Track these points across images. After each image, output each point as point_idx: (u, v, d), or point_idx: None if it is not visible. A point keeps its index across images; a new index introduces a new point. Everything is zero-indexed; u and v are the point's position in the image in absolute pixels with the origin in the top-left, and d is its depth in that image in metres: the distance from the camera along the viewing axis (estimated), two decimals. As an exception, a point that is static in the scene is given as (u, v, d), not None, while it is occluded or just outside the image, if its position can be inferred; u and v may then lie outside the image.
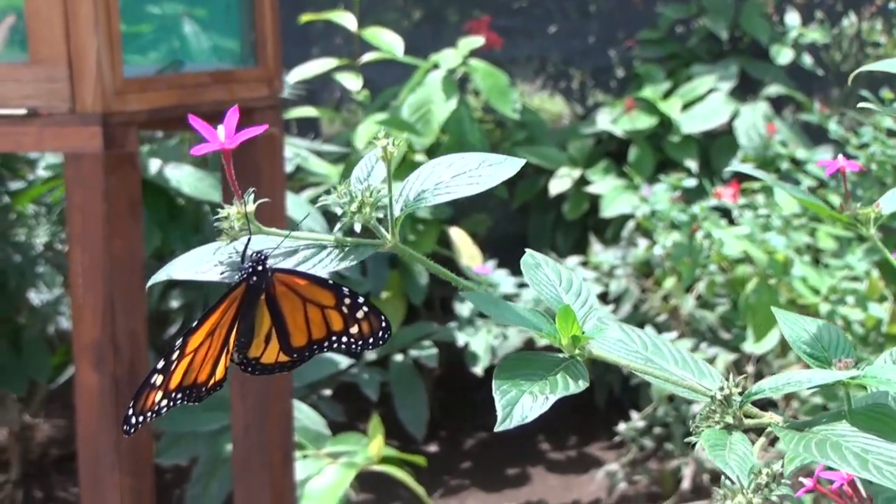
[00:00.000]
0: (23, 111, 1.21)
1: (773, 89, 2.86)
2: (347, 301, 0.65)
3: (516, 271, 2.61)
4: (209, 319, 0.65)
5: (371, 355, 2.59)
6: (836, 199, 2.45)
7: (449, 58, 2.59)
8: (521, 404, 0.57)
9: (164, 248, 2.19)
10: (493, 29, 2.96)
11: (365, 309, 0.65)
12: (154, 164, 2.05)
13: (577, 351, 0.61)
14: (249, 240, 0.64)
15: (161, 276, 0.65)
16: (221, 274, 0.65)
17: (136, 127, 1.22)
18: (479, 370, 2.52)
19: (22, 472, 2.48)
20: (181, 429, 2.04)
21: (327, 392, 2.50)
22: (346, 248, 0.63)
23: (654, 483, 2.40)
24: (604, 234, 2.75)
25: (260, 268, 0.65)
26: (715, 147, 2.82)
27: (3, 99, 1.22)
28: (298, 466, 1.83)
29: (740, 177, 2.58)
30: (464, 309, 2.58)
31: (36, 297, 2.40)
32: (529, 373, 0.59)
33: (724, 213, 2.42)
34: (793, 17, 2.91)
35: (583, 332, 0.60)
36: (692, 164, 2.66)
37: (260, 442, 1.47)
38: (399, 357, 2.60)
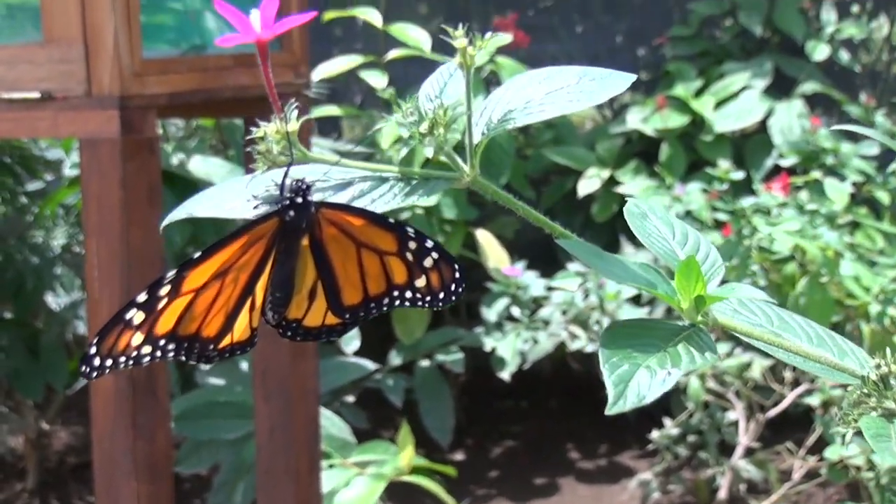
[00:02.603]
0: (37, 94, 1.14)
1: (809, 87, 2.78)
2: (413, 245, 0.53)
3: (545, 273, 2.55)
4: (218, 253, 0.52)
5: (395, 360, 2.53)
6: (883, 196, 2.37)
7: (476, 55, 2.52)
8: (636, 381, 0.48)
9: (195, 241, 2.12)
10: (520, 27, 2.89)
11: (434, 255, 0.53)
12: (178, 159, 1.99)
13: (699, 317, 0.51)
14: (290, 165, 0.52)
15: (180, 213, 0.54)
16: (255, 208, 0.53)
17: (155, 111, 1.15)
18: (506, 375, 2.45)
19: (38, 480, 2.43)
20: (202, 436, 1.97)
21: (350, 398, 2.44)
22: (413, 181, 0.52)
23: (688, 493, 2.33)
24: (635, 235, 2.67)
25: (301, 200, 0.52)
26: (749, 146, 2.75)
27: (17, 81, 1.15)
28: (324, 476, 1.76)
29: (773, 176, 2.51)
30: (491, 313, 2.51)
31: (53, 300, 2.35)
32: (643, 343, 0.49)
33: (761, 212, 2.34)
34: (829, 12, 2.84)
35: (708, 294, 0.50)
36: (725, 164, 2.59)
37: (285, 447, 1.40)
38: (424, 363, 2.54)
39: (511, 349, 2.44)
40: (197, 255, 0.52)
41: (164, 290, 0.52)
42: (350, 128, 3.16)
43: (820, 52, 2.78)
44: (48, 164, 2.30)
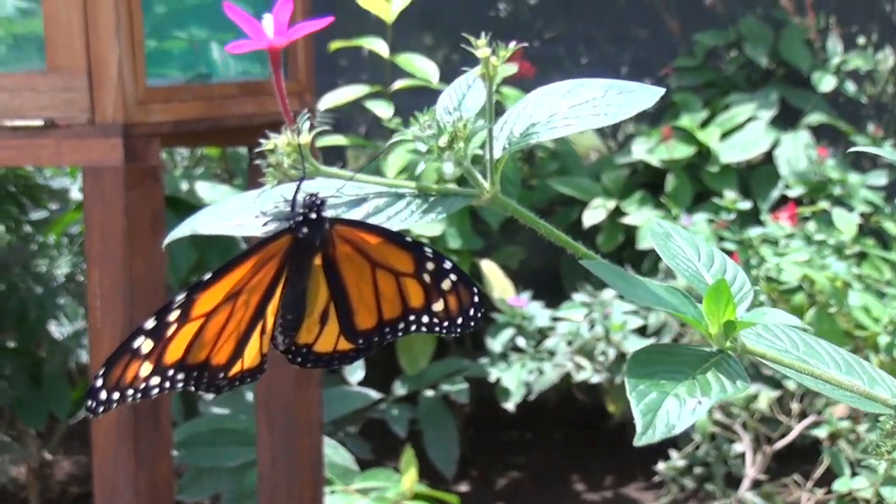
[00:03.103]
0: (40, 122, 1.14)
1: (815, 118, 2.78)
2: (430, 266, 0.50)
3: (551, 304, 2.54)
4: (230, 274, 0.49)
5: (400, 390, 2.51)
6: (891, 226, 2.36)
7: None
8: (665, 410, 0.45)
9: (200, 267, 2.11)
10: (526, 58, 2.89)
11: (453, 278, 0.50)
12: (186, 185, 1.99)
13: (728, 343, 0.48)
14: (302, 180, 0.49)
15: (184, 230, 0.50)
16: (264, 225, 0.49)
17: (158, 139, 1.15)
18: (511, 406, 2.44)
19: (40, 510, 2.41)
20: (205, 464, 1.96)
21: (354, 428, 2.42)
22: (431, 198, 0.49)
23: (694, 525, 2.31)
24: (640, 266, 2.67)
25: (314, 216, 0.49)
26: (755, 177, 2.74)
27: (20, 109, 1.15)
28: (326, 502, 1.75)
29: (780, 207, 2.50)
30: (496, 344, 2.50)
31: (56, 329, 2.34)
32: (671, 370, 0.47)
33: (769, 242, 2.34)
34: (834, 44, 2.84)
35: (739, 318, 0.48)
36: (732, 194, 2.58)
37: (288, 476, 1.39)
38: (429, 393, 2.52)
39: (516, 380, 2.42)
40: (207, 276, 0.49)
41: (174, 316, 0.49)
42: (355, 158, 3.16)
43: (826, 83, 2.77)
44: (53, 193, 2.30)
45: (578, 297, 2.47)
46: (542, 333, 2.51)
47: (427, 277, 0.51)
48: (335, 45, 2.47)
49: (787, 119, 2.81)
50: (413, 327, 0.52)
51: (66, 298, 2.32)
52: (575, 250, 0.51)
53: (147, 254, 1.15)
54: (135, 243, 1.13)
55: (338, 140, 2.51)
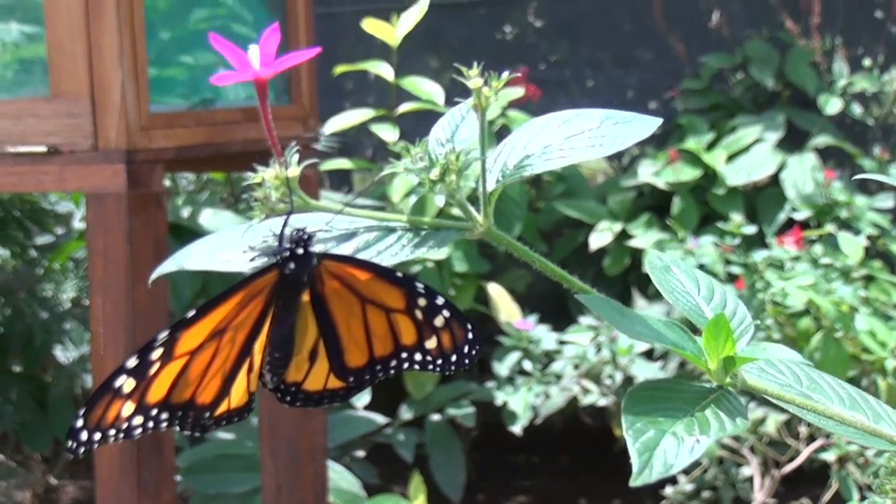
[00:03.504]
0: (43, 148, 1.14)
1: (821, 140, 2.77)
2: (422, 302, 0.49)
3: (557, 327, 2.53)
4: (214, 311, 0.48)
5: (406, 414, 2.51)
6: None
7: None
8: (662, 449, 0.44)
9: (204, 293, 2.11)
10: (532, 81, 2.89)
11: (446, 314, 0.49)
12: (187, 212, 1.98)
13: (728, 379, 0.48)
14: (290, 214, 0.48)
15: (170, 265, 0.50)
16: (251, 261, 0.49)
17: (162, 165, 1.15)
18: (517, 429, 2.43)
19: (45, 535, 2.41)
20: (210, 490, 1.95)
21: (360, 453, 2.41)
22: (423, 232, 0.48)
23: (703, 549, 2.29)
24: (647, 289, 2.66)
25: (302, 251, 0.48)
26: (761, 199, 2.74)
27: (23, 136, 1.15)
28: (332, 530, 1.74)
29: (786, 230, 2.50)
30: (502, 367, 2.49)
31: (62, 354, 2.34)
32: (668, 407, 0.46)
33: (774, 266, 2.33)
34: (840, 66, 2.83)
35: (738, 354, 0.47)
36: (738, 217, 2.57)
37: (292, 504, 1.38)
38: (435, 417, 2.52)
39: (523, 403, 2.42)
40: (191, 313, 0.49)
41: (156, 354, 0.48)
42: (361, 181, 3.16)
43: (832, 105, 2.77)
44: (58, 218, 2.30)
45: (585, 320, 2.47)
46: (549, 357, 2.50)
47: (419, 314, 0.50)
48: (340, 69, 2.47)
49: (793, 141, 2.81)
50: (405, 365, 0.51)
51: (72, 323, 2.32)
52: (571, 284, 0.50)
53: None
54: (137, 270, 1.13)
55: (343, 164, 2.51)
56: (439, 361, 0.50)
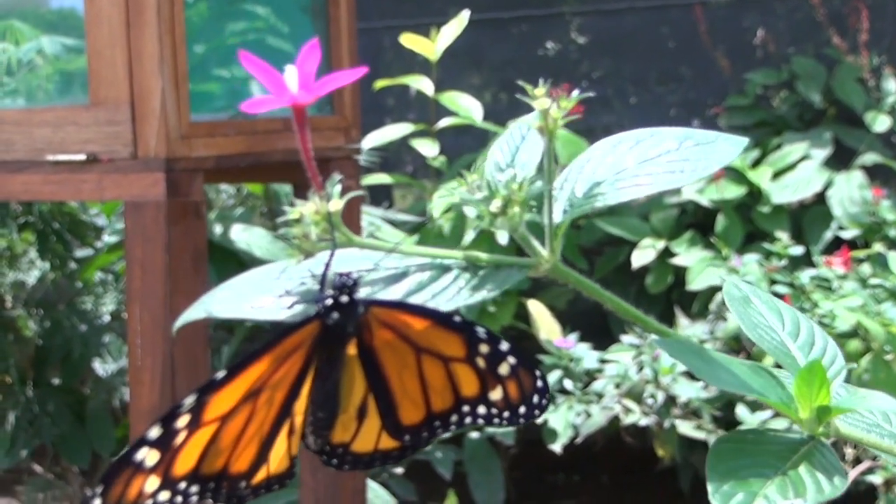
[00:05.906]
0: (82, 157, 1.13)
1: (869, 158, 2.73)
2: (484, 349, 0.44)
3: (598, 345, 2.50)
4: (247, 370, 0.43)
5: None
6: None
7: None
8: None
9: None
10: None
11: (511, 360, 0.44)
12: (220, 228, 1.96)
13: (820, 429, 0.42)
14: (332, 255, 0.43)
15: (198, 312, 0.44)
16: (289, 308, 0.44)
17: (201, 174, 1.13)
18: (557, 448, 2.40)
19: (82, 549, 2.40)
20: (246, 506, 1.94)
21: (399, 470, 2.39)
22: (481, 271, 0.43)
23: (746, 573, 2.25)
24: (689, 307, 2.62)
25: (347, 298, 0.43)
26: (807, 217, 2.69)
27: (62, 144, 1.14)
28: (369, 548, 1.71)
29: (833, 248, 2.45)
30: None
31: (101, 367, 2.33)
32: (757, 462, 0.40)
33: (821, 285, 2.29)
34: (889, 83, 2.79)
35: (834, 405, 0.42)
36: (783, 236, 2.53)
37: (329, 520, 1.36)
38: (474, 434, 2.49)
39: (563, 422, 2.38)
40: (221, 374, 0.43)
41: (183, 422, 0.43)
42: (401, 196, 3.15)
43: (880, 123, 2.73)
44: (97, 231, 2.30)
45: (627, 339, 2.43)
46: (590, 375, 2.47)
47: (481, 362, 0.45)
48: (380, 83, 2.46)
49: (840, 159, 2.76)
50: (468, 419, 0.46)
51: (111, 336, 2.31)
52: (644, 325, 0.45)
53: (188, 292, 1.12)
54: (176, 281, 1.11)
55: (383, 178, 2.50)
56: (506, 414, 0.45)
